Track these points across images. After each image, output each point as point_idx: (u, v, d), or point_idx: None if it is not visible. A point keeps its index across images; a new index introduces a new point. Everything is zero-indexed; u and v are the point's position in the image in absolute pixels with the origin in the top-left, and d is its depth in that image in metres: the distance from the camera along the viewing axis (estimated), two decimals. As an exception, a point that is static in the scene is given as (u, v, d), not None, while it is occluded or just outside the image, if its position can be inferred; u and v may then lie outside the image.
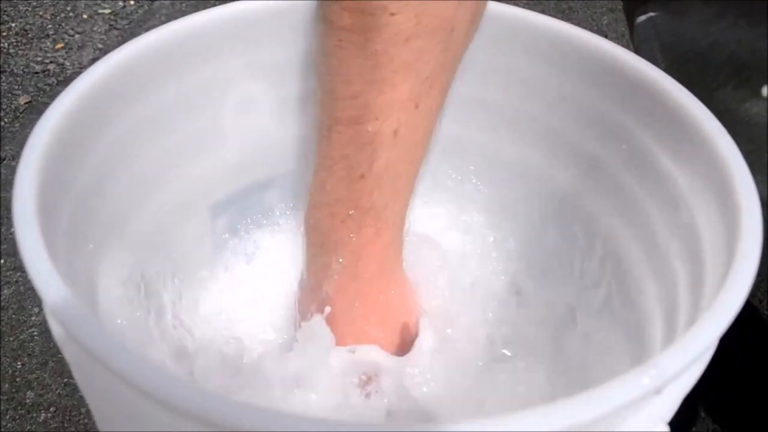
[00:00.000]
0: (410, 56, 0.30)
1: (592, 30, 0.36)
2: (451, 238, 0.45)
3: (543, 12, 0.37)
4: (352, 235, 0.34)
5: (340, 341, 0.35)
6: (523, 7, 0.38)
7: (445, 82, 0.33)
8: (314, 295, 0.36)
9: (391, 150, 0.32)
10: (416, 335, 0.37)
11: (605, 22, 1.12)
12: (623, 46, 0.36)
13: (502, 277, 0.43)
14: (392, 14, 0.29)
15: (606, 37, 0.36)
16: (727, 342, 0.26)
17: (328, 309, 0.35)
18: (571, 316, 0.41)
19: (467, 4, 0.31)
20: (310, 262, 0.36)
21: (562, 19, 0.37)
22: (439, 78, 0.32)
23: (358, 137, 0.32)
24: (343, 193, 0.33)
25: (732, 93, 0.41)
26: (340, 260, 0.34)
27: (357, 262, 0.34)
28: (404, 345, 0.36)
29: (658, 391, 0.21)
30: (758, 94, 0.41)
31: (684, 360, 0.22)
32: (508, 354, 0.39)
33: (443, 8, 0.30)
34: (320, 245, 0.35)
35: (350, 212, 0.33)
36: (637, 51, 0.47)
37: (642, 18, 0.47)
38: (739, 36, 0.41)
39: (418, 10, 0.29)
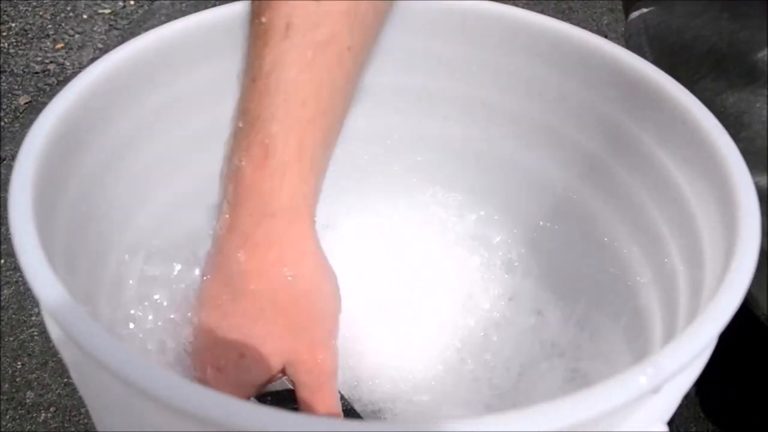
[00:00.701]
0: None
1: (592, 30, 0.36)
2: (449, 238, 0.45)
3: (543, 12, 0.37)
4: (241, 158, 0.28)
5: (215, 305, 0.29)
6: (523, 7, 0.38)
7: None
8: (211, 242, 0.31)
9: (281, 44, 0.28)
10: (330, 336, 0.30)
11: (605, 22, 1.12)
12: (623, 46, 0.36)
13: (502, 277, 0.43)
14: None
15: (606, 37, 0.36)
16: (727, 342, 0.26)
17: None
18: (570, 314, 0.41)
19: None
20: (219, 198, 0.31)
21: (562, 19, 0.37)
22: None
23: (254, 31, 0.29)
24: (240, 104, 0.30)
25: (711, 84, 0.41)
26: (231, 192, 0.29)
27: (245, 195, 0.29)
28: (303, 338, 0.29)
29: (656, 390, 0.21)
30: (735, 85, 0.42)
31: (681, 359, 0.21)
32: (505, 351, 0.39)
33: None
34: (222, 175, 0.31)
35: (240, 125, 0.29)
36: (627, 44, 0.48)
37: (635, 14, 0.48)
38: (720, 28, 0.41)
39: None
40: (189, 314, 0.39)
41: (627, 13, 0.49)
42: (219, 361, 0.29)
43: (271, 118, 0.28)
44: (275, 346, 0.29)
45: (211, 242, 0.31)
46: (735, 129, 0.30)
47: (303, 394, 0.29)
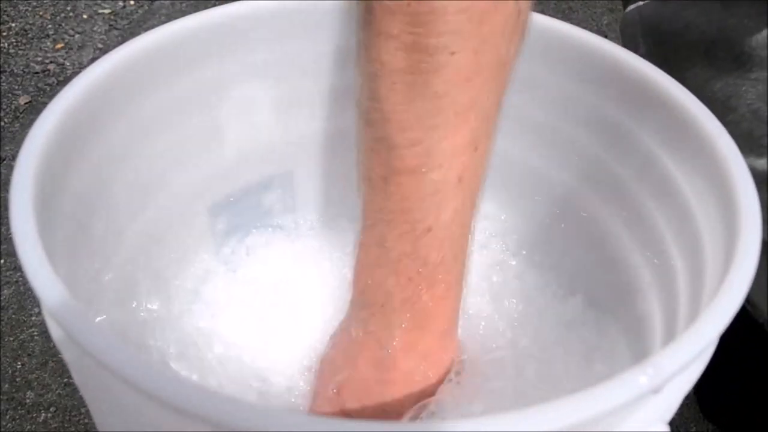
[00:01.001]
0: (471, 96, 0.28)
1: (592, 30, 0.36)
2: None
3: (543, 12, 0.37)
4: (422, 295, 0.31)
5: (400, 401, 0.32)
6: (523, 7, 0.38)
7: (497, 118, 0.31)
8: (372, 357, 0.33)
9: (457, 198, 0.30)
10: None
11: (605, 22, 1.12)
12: (621, 41, 0.36)
13: (501, 276, 0.43)
14: (452, 53, 0.26)
15: (606, 37, 0.36)
16: (726, 343, 0.26)
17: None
18: (570, 314, 0.41)
19: (516, 36, 0.30)
20: (366, 322, 0.33)
21: (562, 19, 0.37)
22: (493, 115, 0.30)
23: (421, 187, 0.29)
24: (407, 249, 0.30)
25: (700, 72, 0.42)
26: (407, 323, 0.32)
27: (427, 322, 0.32)
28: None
29: (656, 391, 0.21)
30: (723, 70, 0.42)
31: (682, 359, 0.22)
32: (506, 352, 0.39)
33: (498, 42, 0.28)
34: (381, 305, 0.32)
35: (419, 270, 0.31)
36: (622, 36, 0.49)
37: (631, 6, 0.49)
38: (710, 16, 0.42)
39: (477, 47, 0.27)
40: (188, 316, 0.39)
41: (625, 7, 0.50)
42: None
43: (454, 260, 0.31)
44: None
45: (365, 359, 0.34)
46: (722, 113, 0.31)
47: None
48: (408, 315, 0.32)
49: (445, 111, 0.28)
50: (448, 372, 0.34)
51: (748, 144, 0.39)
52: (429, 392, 0.33)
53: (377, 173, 0.30)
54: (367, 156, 0.30)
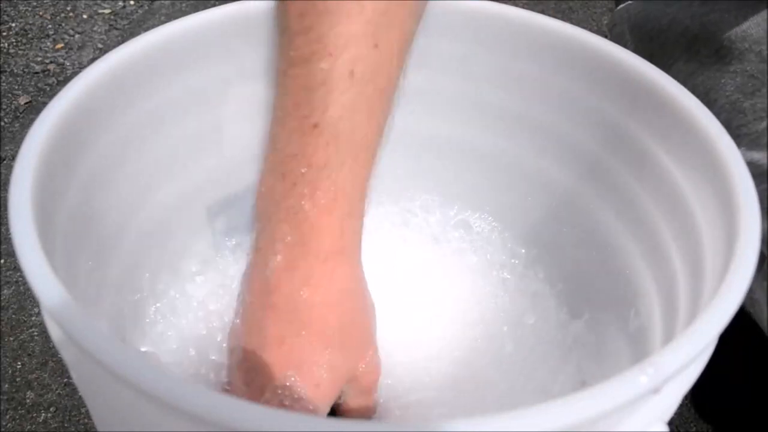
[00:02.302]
0: None
1: (592, 30, 0.36)
2: (449, 238, 0.45)
3: (543, 12, 0.37)
4: (304, 203, 0.29)
5: (278, 341, 0.29)
6: (523, 7, 0.38)
7: (405, 23, 0.29)
8: (258, 278, 0.31)
9: (347, 92, 0.28)
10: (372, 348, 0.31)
11: (605, 22, 1.12)
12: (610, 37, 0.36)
13: (501, 276, 0.43)
14: None
15: (606, 37, 0.36)
16: (724, 343, 0.26)
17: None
18: (570, 314, 0.41)
19: None
20: (257, 239, 0.31)
21: (562, 19, 0.37)
22: (398, 14, 0.29)
23: (311, 77, 0.28)
24: (295, 147, 0.29)
25: (683, 66, 0.43)
26: (290, 236, 0.29)
27: (309, 237, 0.29)
28: (360, 357, 0.31)
29: (656, 391, 0.21)
30: (704, 64, 0.44)
31: (682, 359, 0.22)
32: (507, 351, 0.39)
33: None
34: (268, 216, 0.30)
35: (302, 170, 0.29)
36: (610, 33, 0.50)
37: (621, 6, 0.49)
38: (692, 12, 0.43)
39: None
40: (187, 316, 0.39)
41: (617, 6, 0.51)
42: (295, 397, 0.29)
43: (340, 167, 0.29)
44: (340, 369, 0.30)
45: (252, 283, 0.31)
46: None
47: (354, 401, 0.31)
48: (290, 227, 0.29)
49: None
50: (346, 316, 0.30)
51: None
52: (317, 327, 0.29)
53: (279, 68, 0.29)
54: (276, 56, 0.30)
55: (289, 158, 0.29)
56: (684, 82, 0.42)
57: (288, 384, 0.29)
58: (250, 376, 0.31)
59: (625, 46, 0.46)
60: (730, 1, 0.43)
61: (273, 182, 0.30)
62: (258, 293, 0.31)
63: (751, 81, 0.43)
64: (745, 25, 0.42)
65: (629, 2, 0.50)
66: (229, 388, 0.32)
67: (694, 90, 0.42)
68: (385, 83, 0.29)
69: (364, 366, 0.31)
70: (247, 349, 0.31)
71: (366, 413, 0.32)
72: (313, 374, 0.29)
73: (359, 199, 0.30)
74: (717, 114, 0.40)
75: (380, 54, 0.29)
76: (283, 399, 0.29)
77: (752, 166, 0.40)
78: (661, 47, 0.46)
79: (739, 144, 0.40)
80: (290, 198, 0.29)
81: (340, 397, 0.32)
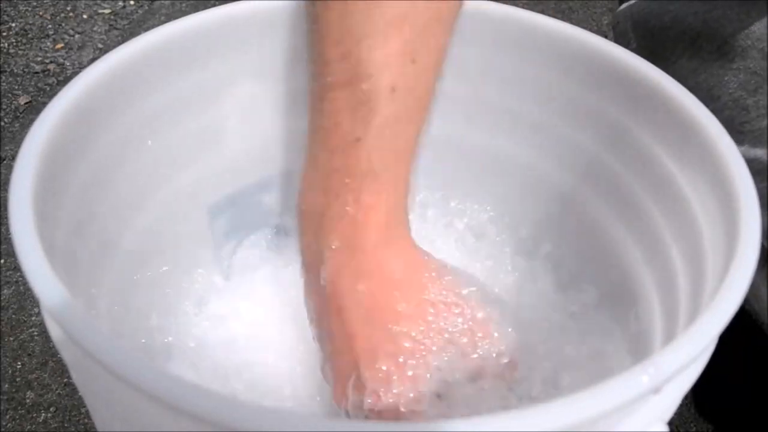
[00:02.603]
0: (403, 8, 0.28)
1: (592, 30, 0.36)
2: (450, 239, 0.45)
3: (543, 12, 0.37)
4: (348, 208, 0.30)
5: (351, 339, 0.30)
6: (523, 7, 0.38)
7: (441, 36, 0.31)
8: (315, 291, 0.32)
9: (389, 107, 0.29)
10: (443, 311, 0.31)
11: (605, 22, 1.12)
12: (611, 35, 0.36)
13: (501, 276, 0.43)
14: None
15: (606, 37, 0.36)
16: (724, 343, 0.26)
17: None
18: (570, 314, 0.41)
19: None
20: (305, 255, 0.32)
21: (562, 19, 0.37)
22: (434, 30, 0.30)
23: (352, 98, 0.29)
24: (337, 163, 0.30)
25: (686, 63, 0.43)
26: (336, 242, 0.30)
27: (355, 237, 0.30)
28: (429, 323, 0.31)
29: (656, 390, 0.21)
30: (707, 61, 0.44)
31: (682, 359, 0.21)
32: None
33: None
34: (314, 231, 0.31)
35: (346, 180, 0.30)
36: (614, 32, 0.50)
37: (624, 5, 0.50)
38: (695, 9, 0.43)
39: None
40: (187, 316, 0.39)
41: (621, 5, 0.51)
42: (386, 380, 0.29)
43: (385, 170, 0.30)
44: (423, 336, 0.30)
45: (312, 296, 0.32)
46: (705, 102, 0.32)
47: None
48: (337, 234, 0.30)
49: (375, 20, 0.28)
50: (412, 296, 0.31)
51: (728, 131, 0.41)
52: (389, 314, 0.30)
53: (315, 93, 0.30)
54: (309, 80, 0.31)
55: (331, 173, 0.30)
56: (686, 79, 0.42)
57: (375, 372, 0.29)
58: (341, 379, 0.31)
59: (627, 44, 0.46)
60: None
61: (314, 198, 0.31)
62: (318, 305, 0.32)
63: (753, 78, 0.43)
64: (747, 23, 0.42)
65: (632, 1, 0.50)
66: (352, 413, 0.31)
67: (696, 87, 0.42)
68: (423, 92, 0.31)
69: (439, 326, 0.31)
70: (332, 363, 0.32)
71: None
72: (395, 353, 0.30)
73: (402, 196, 0.31)
74: (720, 111, 0.40)
75: (418, 67, 0.30)
76: (379, 385, 0.29)
77: (755, 162, 0.41)
78: (664, 45, 0.46)
79: (741, 141, 0.40)
80: (333, 208, 0.30)
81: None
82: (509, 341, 0.32)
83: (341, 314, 0.30)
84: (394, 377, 0.29)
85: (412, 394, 0.29)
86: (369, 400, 0.29)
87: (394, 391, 0.29)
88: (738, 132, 0.43)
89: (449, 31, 0.32)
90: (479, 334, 0.31)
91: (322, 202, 0.31)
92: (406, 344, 0.30)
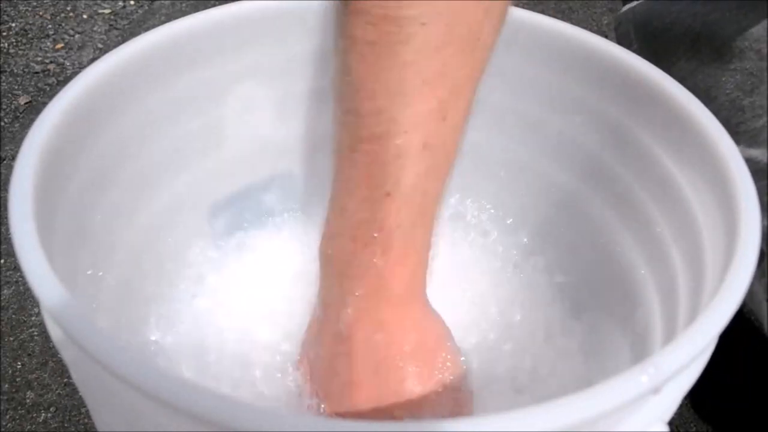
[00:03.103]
0: (439, 66, 0.28)
1: (592, 30, 0.36)
2: (450, 240, 0.45)
3: (543, 12, 0.37)
4: (376, 260, 0.31)
5: (358, 386, 0.31)
6: (523, 7, 0.38)
7: (471, 93, 0.31)
8: (329, 331, 0.33)
9: (420, 164, 0.30)
10: (455, 369, 0.33)
11: (605, 22, 1.12)
12: (615, 36, 0.36)
13: (501, 275, 0.43)
14: (423, 24, 0.27)
15: (606, 37, 0.36)
16: (725, 342, 0.26)
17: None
18: (571, 315, 0.41)
19: (495, 11, 0.30)
20: (325, 296, 0.33)
21: (562, 19, 0.37)
22: (465, 88, 0.30)
23: (384, 153, 0.29)
24: (366, 215, 0.30)
25: (685, 65, 0.43)
26: (361, 289, 0.31)
27: (380, 288, 0.31)
28: (440, 381, 0.32)
29: (656, 391, 0.21)
30: (705, 62, 0.44)
31: (682, 359, 0.21)
32: (507, 349, 0.39)
33: (472, 15, 0.28)
34: (338, 275, 0.32)
35: (374, 235, 0.30)
36: (616, 33, 0.50)
37: (626, 6, 0.50)
38: (695, 11, 0.43)
39: (448, 18, 0.27)
40: (187, 316, 0.39)
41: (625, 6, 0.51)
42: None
43: (412, 227, 0.30)
44: (422, 391, 0.32)
45: (323, 336, 0.33)
46: (703, 103, 0.32)
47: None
48: (362, 282, 0.31)
49: (411, 79, 0.28)
50: (421, 355, 0.32)
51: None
52: (396, 370, 0.31)
53: (345, 143, 0.30)
54: (337, 129, 0.31)
55: (359, 223, 0.31)
56: (685, 80, 0.42)
57: (382, 414, 0.31)
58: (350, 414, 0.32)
59: (629, 45, 0.46)
60: (731, 0, 0.43)
61: (343, 244, 0.31)
62: (330, 345, 0.32)
63: (750, 79, 0.43)
64: (746, 25, 0.42)
65: (635, 3, 0.50)
66: None
67: (695, 88, 0.43)
68: (451, 149, 0.31)
69: (441, 388, 0.33)
70: (329, 400, 0.33)
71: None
72: (390, 409, 0.31)
73: (427, 249, 0.32)
74: (717, 112, 0.40)
75: (448, 125, 0.30)
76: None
77: (751, 162, 0.41)
78: (664, 46, 0.46)
79: (738, 141, 0.40)
80: (361, 256, 0.31)
81: None
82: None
83: (351, 358, 0.31)
84: None
85: None
86: None
87: None
88: (734, 132, 0.43)
89: (477, 86, 0.32)
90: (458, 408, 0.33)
91: (350, 250, 0.31)
92: (407, 399, 0.31)
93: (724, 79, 0.44)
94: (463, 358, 0.34)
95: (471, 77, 0.31)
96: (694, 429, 0.58)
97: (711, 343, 0.23)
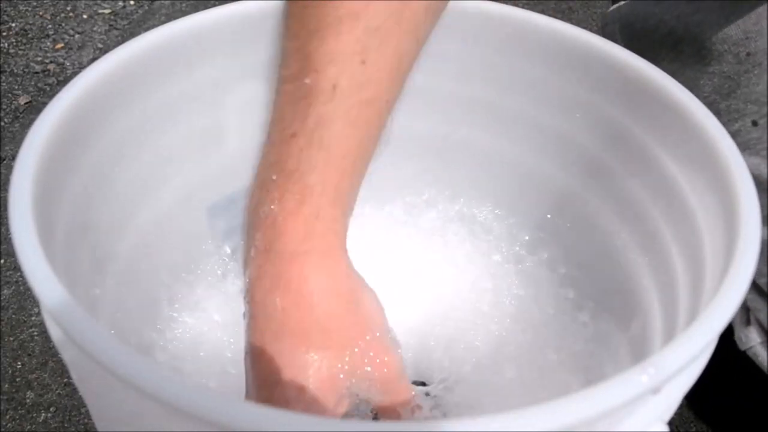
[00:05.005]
0: (358, 5, 0.28)
1: (592, 30, 0.36)
2: (451, 240, 0.45)
3: (543, 12, 0.37)
4: (273, 206, 0.29)
5: (260, 351, 0.28)
6: (523, 7, 0.38)
7: (401, 46, 0.30)
8: (245, 290, 0.30)
9: (327, 104, 0.28)
10: (378, 347, 0.29)
11: (605, 21, 1.12)
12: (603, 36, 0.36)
13: (501, 275, 0.43)
14: None
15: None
16: (725, 342, 0.26)
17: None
18: (571, 314, 0.41)
19: None
20: (244, 251, 0.31)
21: (562, 19, 0.37)
22: (392, 36, 0.29)
23: (296, 92, 0.29)
24: (274, 156, 0.29)
25: (668, 66, 0.44)
26: (260, 241, 0.29)
27: (276, 239, 0.29)
28: (359, 350, 0.29)
29: (656, 391, 0.21)
30: (687, 64, 0.44)
31: (682, 359, 0.21)
32: (509, 349, 0.39)
33: None
34: (249, 224, 0.30)
35: (273, 177, 0.29)
36: (602, 32, 0.51)
37: (613, 6, 0.50)
38: (678, 12, 0.44)
39: None
40: (186, 316, 0.39)
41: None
42: (285, 402, 0.28)
43: (311, 171, 0.29)
44: (333, 367, 0.29)
45: (244, 293, 0.31)
46: None
47: (382, 401, 0.30)
48: (261, 233, 0.29)
49: (328, 15, 0.28)
50: (323, 313, 0.29)
51: None
52: (293, 330, 0.28)
53: (276, 88, 0.30)
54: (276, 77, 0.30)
55: (268, 166, 0.30)
56: None
57: (280, 392, 0.28)
58: (252, 391, 0.30)
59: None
60: (714, 1, 0.43)
61: (253, 191, 0.30)
62: (246, 306, 0.30)
63: (727, 82, 0.43)
64: (726, 27, 0.42)
65: (621, 3, 0.50)
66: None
67: None
68: (370, 96, 0.30)
69: (369, 359, 0.30)
70: (246, 365, 0.30)
71: (401, 412, 0.31)
72: (299, 378, 0.28)
73: (330, 203, 0.29)
74: None
75: (367, 69, 0.29)
76: (287, 406, 0.28)
77: None
78: (649, 47, 0.47)
79: None
80: (264, 204, 0.29)
81: (370, 406, 0.31)
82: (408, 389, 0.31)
83: (253, 321, 0.29)
84: (293, 394, 0.28)
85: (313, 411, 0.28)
86: None
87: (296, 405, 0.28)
88: None
89: (413, 38, 0.31)
90: (379, 382, 0.30)
91: (257, 196, 0.30)
92: (310, 372, 0.28)
93: (702, 82, 0.44)
94: (391, 337, 0.31)
95: (398, 21, 0.29)
96: (693, 429, 0.58)
97: (711, 343, 0.23)
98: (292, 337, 0.28)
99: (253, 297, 0.29)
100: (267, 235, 0.29)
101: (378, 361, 0.30)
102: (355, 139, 0.30)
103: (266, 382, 0.28)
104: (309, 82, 0.29)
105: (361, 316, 0.30)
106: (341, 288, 0.30)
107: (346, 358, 0.29)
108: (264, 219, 0.29)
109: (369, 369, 0.29)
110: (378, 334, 0.30)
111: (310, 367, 0.28)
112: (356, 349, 0.29)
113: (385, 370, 0.30)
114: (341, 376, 0.29)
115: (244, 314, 0.31)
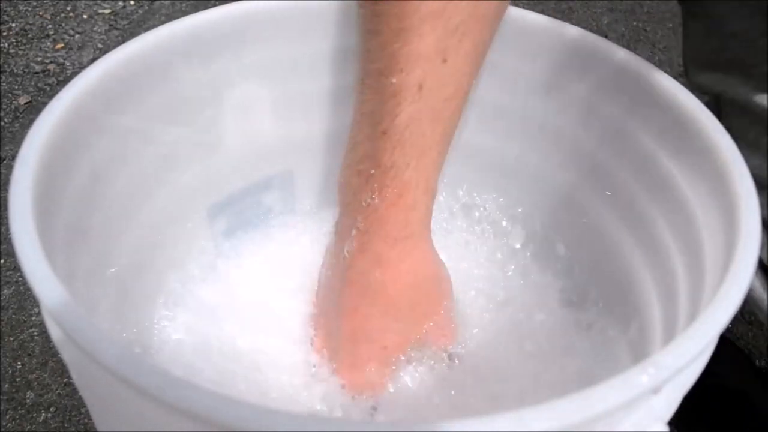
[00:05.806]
0: (438, 5, 0.29)
1: (592, 30, 0.36)
2: (450, 240, 0.45)
3: (543, 12, 0.37)
4: (374, 196, 0.32)
5: (353, 311, 0.34)
6: (523, 7, 0.38)
7: (477, 39, 0.32)
8: (337, 257, 0.35)
9: (414, 104, 0.31)
10: (449, 317, 0.36)
11: (605, 22, 1.12)
12: (623, 46, 0.36)
13: (502, 274, 0.43)
14: None
15: (606, 37, 0.36)
16: (725, 343, 0.26)
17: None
18: (571, 314, 0.41)
19: None
20: (337, 222, 0.35)
21: (562, 19, 0.37)
22: (469, 33, 0.31)
23: (382, 90, 0.31)
24: (367, 150, 0.32)
25: None
26: (362, 223, 0.33)
27: (378, 225, 0.33)
28: (434, 324, 0.36)
29: (656, 391, 0.21)
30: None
31: (682, 359, 0.21)
32: (509, 349, 0.39)
33: None
34: (346, 204, 0.34)
35: (372, 171, 0.32)
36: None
37: None
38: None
39: None
40: (186, 316, 0.39)
41: None
42: (365, 357, 0.35)
43: (405, 167, 0.32)
44: (411, 331, 0.36)
45: (332, 259, 0.36)
46: None
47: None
48: (364, 217, 0.33)
49: (409, 16, 0.29)
50: (415, 296, 0.35)
51: None
52: (386, 300, 0.34)
53: (358, 77, 0.32)
54: (359, 64, 0.32)
55: (363, 158, 0.32)
56: None
57: (359, 347, 0.35)
58: (328, 340, 0.36)
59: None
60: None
61: (350, 177, 0.33)
62: (337, 270, 0.35)
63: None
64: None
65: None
66: (313, 347, 0.38)
67: None
68: (451, 93, 0.32)
69: (430, 328, 0.36)
70: (326, 317, 0.37)
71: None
72: (381, 339, 0.35)
73: (423, 192, 0.33)
74: None
75: (448, 68, 0.31)
76: (355, 360, 0.35)
77: None
78: None
79: None
80: (363, 192, 0.33)
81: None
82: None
83: (351, 287, 0.34)
84: (372, 363, 0.35)
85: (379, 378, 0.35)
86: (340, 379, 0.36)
87: (367, 371, 0.35)
88: None
89: (488, 30, 0.33)
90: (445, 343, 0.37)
91: (355, 184, 0.33)
92: (389, 336, 0.35)
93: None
94: (451, 304, 0.37)
95: (476, 18, 0.31)
96: (694, 429, 0.58)
97: (711, 343, 0.23)
98: (385, 306, 0.34)
99: (352, 266, 0.34)
100: (369, 219, 0.33)
101: (438, 332, 0.36)
102: (439, 133, 0.32)
103: (355, 335, 0.35)
104: (396, 81, 0.30)
105: (440, 292, 0.36)
106: (429, 268, 0.35)
107: (416, 328, 0.36)
108: (366, 207, 0.33)
109: (429, 336, 0.36)
110: (446, 303, 0.37)
111: (392, 331, 0.35)
112: (431, 323, 0.36)
113: (440, 342, 0.37)
114: (406, 341, 0.36)
115: (321, 274, 0.38)
